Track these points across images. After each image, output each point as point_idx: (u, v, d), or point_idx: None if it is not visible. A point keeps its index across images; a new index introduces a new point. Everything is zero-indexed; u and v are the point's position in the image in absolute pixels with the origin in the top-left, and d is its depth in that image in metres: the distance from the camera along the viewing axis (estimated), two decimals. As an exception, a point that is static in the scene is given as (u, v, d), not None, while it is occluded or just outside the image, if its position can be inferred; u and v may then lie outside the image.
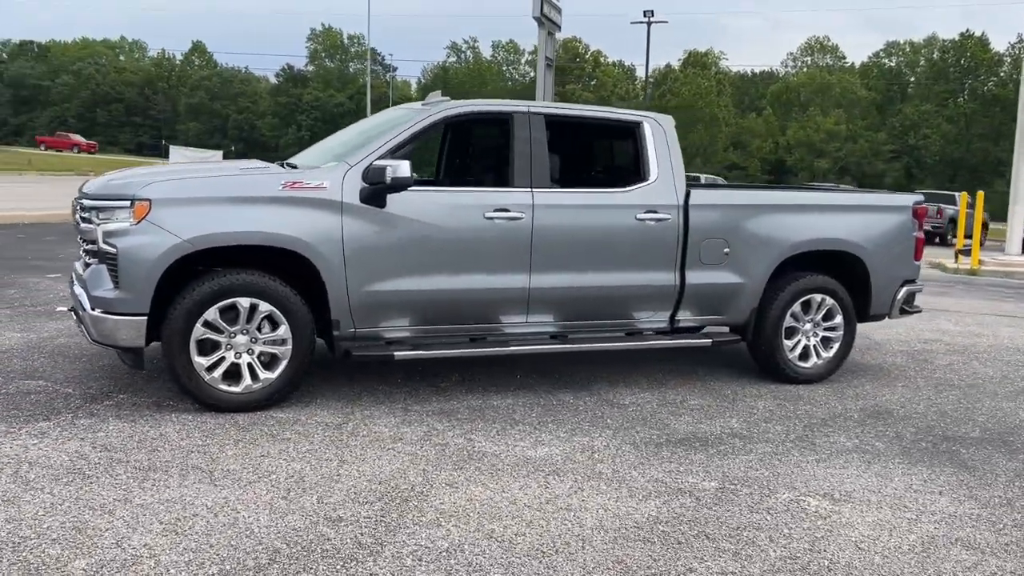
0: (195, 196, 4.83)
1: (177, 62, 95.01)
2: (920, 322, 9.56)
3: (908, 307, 6.67)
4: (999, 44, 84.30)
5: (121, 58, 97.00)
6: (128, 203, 4.71)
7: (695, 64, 75.66)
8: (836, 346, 6.38)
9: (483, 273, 5.38)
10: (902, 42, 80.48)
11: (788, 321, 6.20)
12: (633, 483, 4.19)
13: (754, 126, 74.15)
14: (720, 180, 32.38)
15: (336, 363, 6.03)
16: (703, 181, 25.35)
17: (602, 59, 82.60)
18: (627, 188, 5.78)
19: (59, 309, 7.61)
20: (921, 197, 6.76)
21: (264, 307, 4.90)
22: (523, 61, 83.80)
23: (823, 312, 6.31)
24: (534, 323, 5.64)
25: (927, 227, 28.02)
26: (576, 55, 79.99)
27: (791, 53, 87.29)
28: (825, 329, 6.36)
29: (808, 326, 6.31)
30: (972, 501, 4.19)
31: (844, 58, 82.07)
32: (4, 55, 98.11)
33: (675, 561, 3.38)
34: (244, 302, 4.86)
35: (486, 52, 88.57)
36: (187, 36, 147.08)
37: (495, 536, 3.51)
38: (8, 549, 3.17)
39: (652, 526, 3.69)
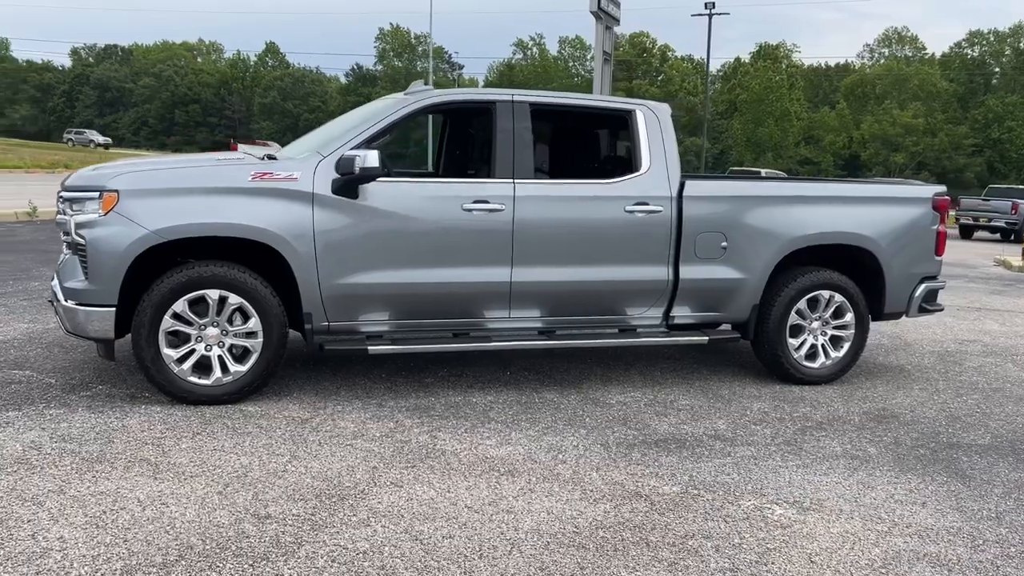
0: (163, 187, 4.81)
1: (251, 63, 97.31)
2: (962, 321, 9.07)
3: (928, 305, 6.27)
4: (1092, 32, 79.93)
5: (199, 60, 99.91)
6: (97, 194, 4.72)
7: (766, 57, 74.03)
8: (846, 345, 6.04)
9: (462, 266, 5.23)
10: (986, 31, 77.32)
11: (793, 319, 5.89)
12: (589, 485, 4.00)
13: (827, 120, 72.24)
14: (781, 174, 31.52)
15: (322, 358, 5.97)
16: (763, 175, 24.76)
17: (670, 54, 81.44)
18: (616, 179, 5.57)
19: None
20: (942, 188, 6.35)
21: (234, 299, 4.85)
22: (589, 56, 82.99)
23: (832, 310, 5.97)
24: (517, 318, 5.48)
25: (1000, 223, 26.98)
26: (643, 50, 79.11)
27: (867, 44, 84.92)
28: (834, 328, 6.02)
29: (816, 324, 5.99)
30: (956, 513, 3.88)
31: (924, 49, 79.25)
32: (91, 59, 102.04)
33: (603, 570, 3.19)
34: (213, 294, 4.82)
35: (552, 48, 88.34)
36: (261, 37, 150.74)
37: (421, 538, 3.37)
38: (-77, 538, 3.17)
39: (592, 531, 3.50)
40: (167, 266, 4.90)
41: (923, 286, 6.19)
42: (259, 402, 5.01)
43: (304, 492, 3.76)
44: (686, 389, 5.78)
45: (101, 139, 68.69)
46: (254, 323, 4.91)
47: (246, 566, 3.08)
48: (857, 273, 6.07)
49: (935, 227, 6.18)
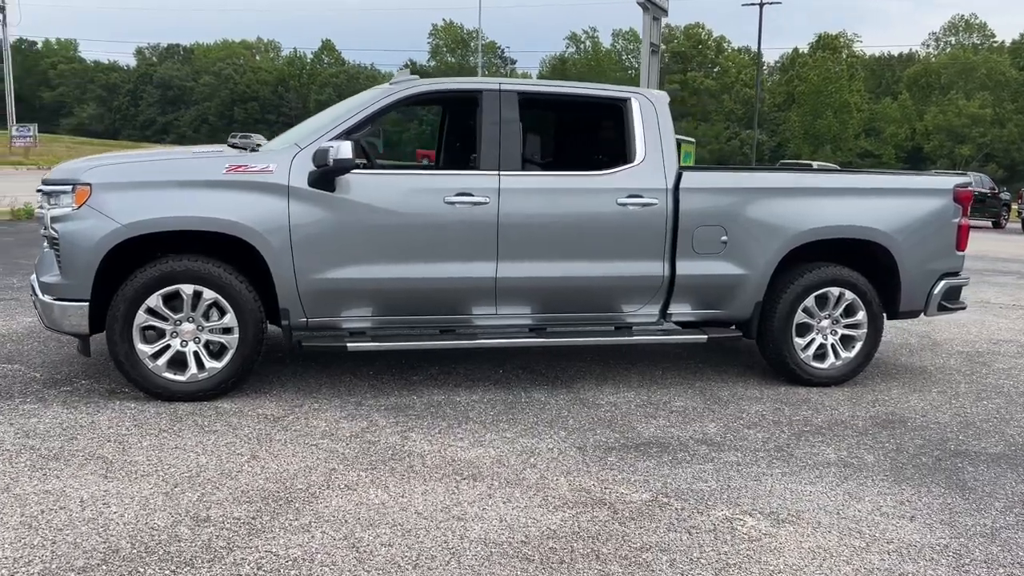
0: (136, 180, 4.75)
1: (308, 60, 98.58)
2: (1003, 320, 8.62)
3: (949, 303, 5.90)
4: None
5: (257, 58, 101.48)
6: (70, 188, 4.68)
7: (825, 47, 72.19)
8: (858, 345, 5.71)
9: (444, 261, 5.07)
10: (1060, 17, 74.13)
11: (800, 317, 5.60)
12: (553, 492, 3.81)
13: (889, 111, 70.24)
14: (834, 167, 30.62)
15: (312, 355, 5.87)
16: (815, 167, 24.04)
17: (726, 45, 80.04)
18: (608, 171, 5.34)
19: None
20: (967, 179, 5.97)
21: (208, 294, 4.77)
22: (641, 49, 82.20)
23: (842, 308, 5.66)
24: (505, 315, 5.30)
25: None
26: (698, 42, 77.91)
27: (933, 33, 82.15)
28: (845, 326, 5.70)
29: (825, 323, 5.68)
30: (946, 529, 3.58)
31: (992, 36, 76.37)
32: (154, 58, 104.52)
33: (541, 584, 3.00)
34: (187, 289, 4.74)
35: (606, 41, 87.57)
36: (317, 35, 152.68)
37: (359, 545, 3.22)
38: None
39: (541, 542, 3.31)
40: (151, 261, 4.83)
41: (943, 283, 5.82)
42: (236, 399, 4.93)
43: (252, 494, 3.65)
44: (684, 390, 5.53)
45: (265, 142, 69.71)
46: (229, 319, 4.82)
47: (167, 572, 2.97)
48: (870, 269, 5.74)
49: (956, 220, 5.81)
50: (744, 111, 68.30)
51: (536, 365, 5.99)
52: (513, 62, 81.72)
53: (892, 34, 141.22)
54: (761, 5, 44.00)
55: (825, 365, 5.69)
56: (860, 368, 5.77)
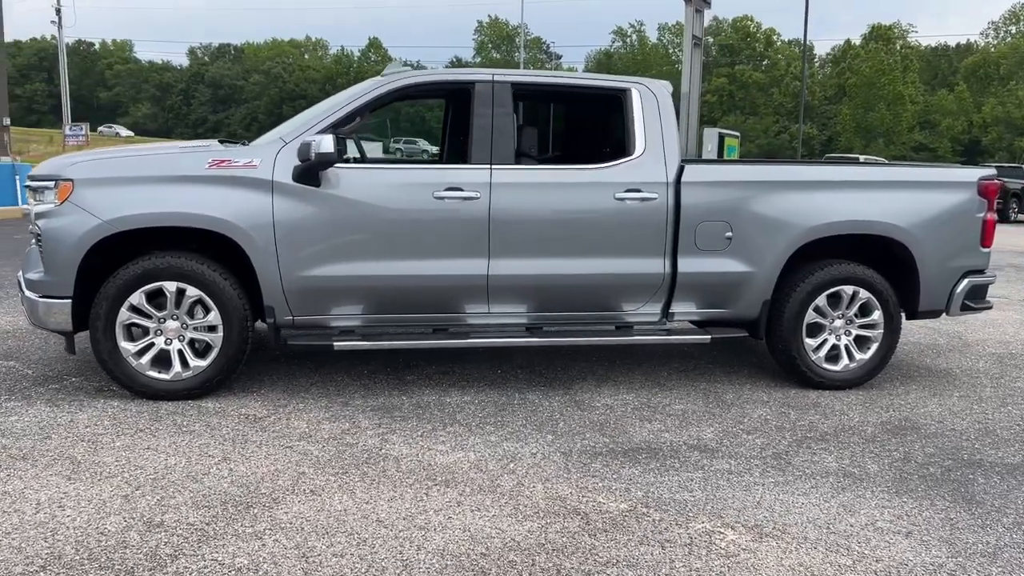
0: (118, 176, 4.68)
1: (355, 58, 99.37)
2: (1042, 320, 8.17)
3: (973, 303, 5.57)
4: None
5: (305, 57, 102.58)
6: (53, 183, 4.63)
7: (878, 39, 70.43)
8: (874, 346, 5.42)
9: (434, 258, 4.92)
10: None
11: (811, 316, 5.33)
12: (527, 500, 3.63)
13: (945, 103, 68.29)
14: (881, 160, 29.77)
15: (307, 353, 5.77)
16: (861, 161, 23.39)
17: (775, 38, 78.59)
18: (606, 164, 5.13)
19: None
20: (992, 172, 5.62)
21: (192, 292, 4.69)
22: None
23: (856, 307, 5.38)
24: (498, 314, 5.13)
25: None
26: (747, 35, 76.64)
27: (992, 22, 79.65)
28: (860, 327, 5.42)
29: (838, 323, 5.40)
30: (944, 547, 3.32)
31: (1055, 25, 73.71)
32: (206, 58, 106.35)
33: (491, 601, 2.83)
34: (171, 286, 4.67)
35: (652, 35, 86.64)
36: (365, 33, 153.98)
37: (309, 555, 3.09)
38: None
39: (503, 554, 3.14)
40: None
41: (966, 281, 5.49)
42: (221, 398, 4.84)
43: (213, 498, 3.54)
44: (686, 392, 5.31)
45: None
46: (214, 316, 4.73)
47: (105, 580, 2.87)
48: (888, 266, 5.45)
49: (981, 215, 5.48)
50: (793, 104, 66.89)
51: (536, 365, 5.81)
52: (558, 57, 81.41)
53: (949, 24, 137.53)
54: (808, -5, 42.82)
55: (838, 367, 5.41)
56: (876, 371, 5.48)
